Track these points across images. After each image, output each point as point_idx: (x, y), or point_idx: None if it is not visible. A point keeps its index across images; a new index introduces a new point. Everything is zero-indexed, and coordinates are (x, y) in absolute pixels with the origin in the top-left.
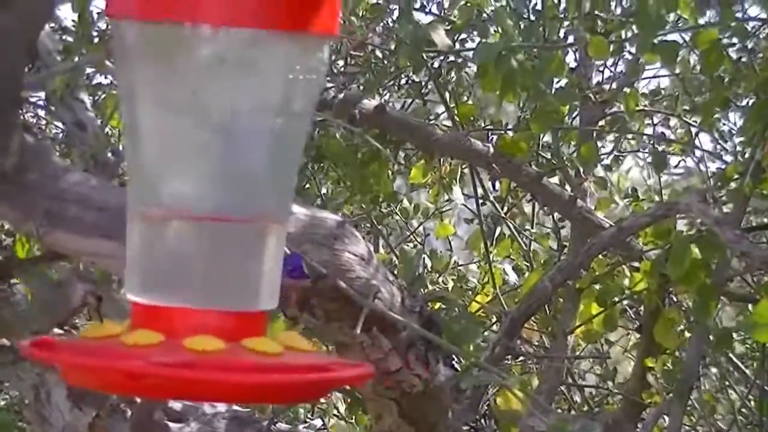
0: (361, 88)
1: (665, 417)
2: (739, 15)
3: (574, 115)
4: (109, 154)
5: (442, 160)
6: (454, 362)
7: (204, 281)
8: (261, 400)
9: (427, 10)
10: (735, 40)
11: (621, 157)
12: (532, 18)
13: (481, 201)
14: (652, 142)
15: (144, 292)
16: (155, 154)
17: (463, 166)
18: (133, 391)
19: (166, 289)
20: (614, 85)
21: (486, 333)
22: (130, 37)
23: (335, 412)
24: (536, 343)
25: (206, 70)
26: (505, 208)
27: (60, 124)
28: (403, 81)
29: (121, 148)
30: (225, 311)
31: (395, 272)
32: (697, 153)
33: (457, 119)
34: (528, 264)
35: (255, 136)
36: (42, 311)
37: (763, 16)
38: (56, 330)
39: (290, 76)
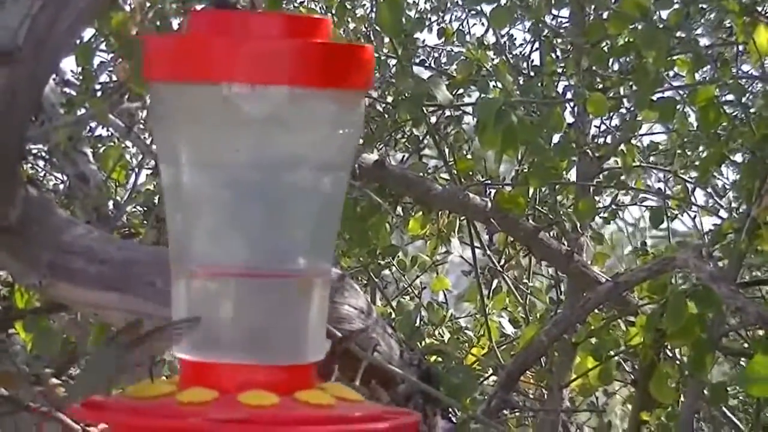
0: (361, 141)
1: None
2: (734, 71)
3: (570, 169)
4: (111, 206)
5: (440, 212)
6: (451, 415)
7: (252, 337)
8: None
9: (426, 64)
10: (731, 96)
11: (618, 211)
12: (531, 74)
13: (478, 253)
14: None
15: (194, 350)
16: (196, 213)
17: (461, 219)
18: None
19: (216, 347)
20: (609, 139)
21: (482, 386)
22: (168, 99)
23: None
24: (532, 396)
25: (245, 128)
26: (502, 261)
27: (62, 176)
28: (400, 135)
29: (121, 200)
30: (274, 365)
31: (393, 325)
32: (692, 208)
33: (455, 173)
34: (524, 317)
35: (296, 192)
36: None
37: (757, 73)
38: (54, 380)
39: (329, 131)
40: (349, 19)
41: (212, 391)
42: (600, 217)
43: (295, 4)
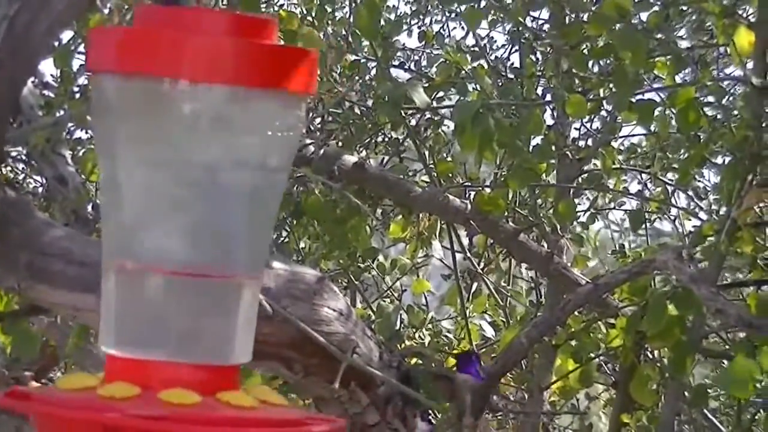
0: (340, 144)
1: None
2: (715, 74)
3: (550, 172)
4: (90, 209)
5: (420, 215)
6: (431, 417)
7: (179, 335)
8: None
9: (405, 67)
10: (711, 98)
11: (597, 215)
12: (511, 76)
13: (458, 256)
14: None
15: (119, 345)
16: (132, 208)
17: (442, 222)
18: None
19: (141, 343)
20: (590, 142)
21: None
22: (109, 91)
23: None
24: (513, 399)
25: (184, 126)
26: (482, 264)
27: (41, 179)
28: (380, 138)
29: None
30: (200, 365)
31: (373, 327)
32: (673, 211)
33: (435, 176)
34: (505, 320)
35: (232, 192)
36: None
37: (738, 74)
38: (33, 383)
39: (268, 132)
40: (329, 22)
41: (134, 387)
42: (578, 222)
43: (275, 8)
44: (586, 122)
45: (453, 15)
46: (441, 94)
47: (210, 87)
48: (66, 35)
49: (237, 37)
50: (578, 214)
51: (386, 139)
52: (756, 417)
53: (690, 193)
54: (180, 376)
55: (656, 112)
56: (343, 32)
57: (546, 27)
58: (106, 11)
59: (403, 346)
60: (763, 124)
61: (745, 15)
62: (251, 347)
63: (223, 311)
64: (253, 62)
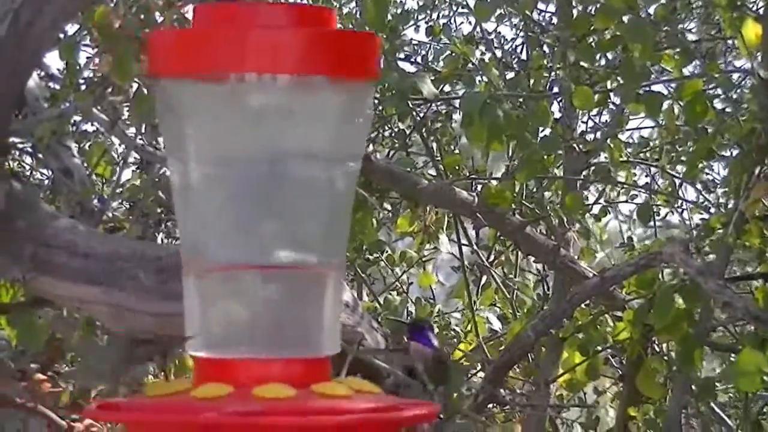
0: None
1: None
2: (723, 66)
3: (558, 164)
4: (95, 201)
5: (428, 209)
6: None
7: (266, 331)
8: None
9: (412, 60)
10: (719, 91)
11: (609, 208)
12: (518, 68)
13: (466, 249)
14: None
15: (208, 347)
16: (208, 209)
17: (449, 215)
18: None
19: (230, 342)
20: (598, 135)
21: (470, 381)
22: (174, 94)
23: None
24: (520, 392)
25: (253, 121)
26: (491, 257)
27: (46, 171)
28: (387, 132)
29: (106, 195)
30: (290, 359)
31: (379, 320)
32: (681, 204)
33: (442, 169)
34: (513, 312)
35: (305, 183)
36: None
37: (747, 66)
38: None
39: (338, 121)
40: (337, 17)
41: (227, 386)
42: (590, 215)
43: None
44: (594, 115)
45: (460, 9)
46: (448, 88)
47: (276, 79)
48: (71, 27)
49: (298, 27)
50: (588, 206)
51: (393, 133)
52: (764, 410)
53: (698, 186)
54: (271, 371)
55: (664, 105)
56: (351, 26)
57: (553, 20)
58: (112, 3)
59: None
60: None
61: (752, 7)
62: (338, 338)
63: (307, 303)
64: (318, 51)
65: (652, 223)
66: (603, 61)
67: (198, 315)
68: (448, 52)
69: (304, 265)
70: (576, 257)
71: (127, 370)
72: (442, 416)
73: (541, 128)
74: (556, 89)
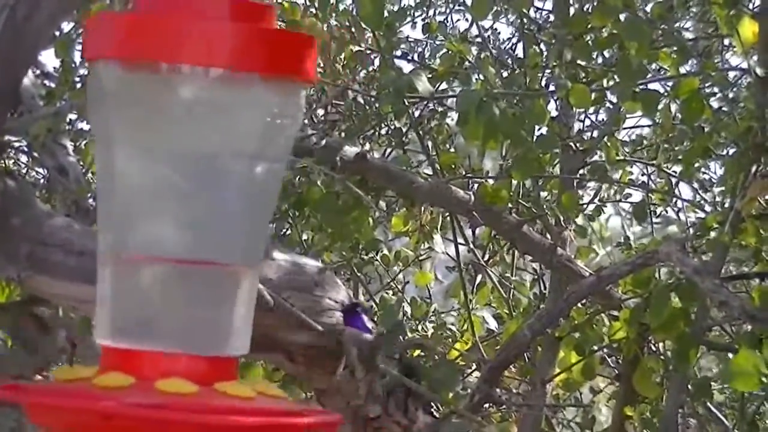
0: (342, 135)
1: None
2: (719, 65)
3: (554, 163)
4: (91, 200)
5: (423, 208)
6: (433, 409)
7: (175, 325)
8: None
9: (408, 57)
10: (716, 89)
11: (603, 207)
12: (514, 66)
13: (462, 248)
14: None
15: (114, 336)
16: (127, 197)
17: (444, 214)
18: None
19: (137, 333)
20: (595, 134)
21: (465, 380)
22: (106, 78)
23: None
24: (516, 391)
25: (182, 113)
26: (486, 256)
27: (42, 170)
28: (383, 130)
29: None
30: (197, 356)
31: (375, 319)
32: (677, 203)
33: (438, 167)
34: (509, 312)
35: (230, 181)
36: (25, 356)
37: (744, 66)
38: (37, 376)
39: (267, 120)
40: (334, 14)
41: (129, 377)
42: (584, 214)
43: None
44: (591, 114)
45: (456, 6)
46: (444, 86)
47: (208, 73)
48: (67, 25)
49: (235, 22)
50: (583, 205)
51: (389, 131)
52: (760, 410)
53: (695, 185)
54: (177, 366)
55: (660, 103)
56: (347, 23)
57: (550, 17)
58: (108, 0)
59: (405, 338)
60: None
61: (749, 5)
62: (249, 339)
63: (220, 301)
64: (252, 47)
65: (648, 222)
66: (600, 59)
67: (108, 302)
68: (444, 49)
69: (221, 261)
70: (573, 256)
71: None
72: (438, 416)
73: (537, 127)
74: (552, 87)
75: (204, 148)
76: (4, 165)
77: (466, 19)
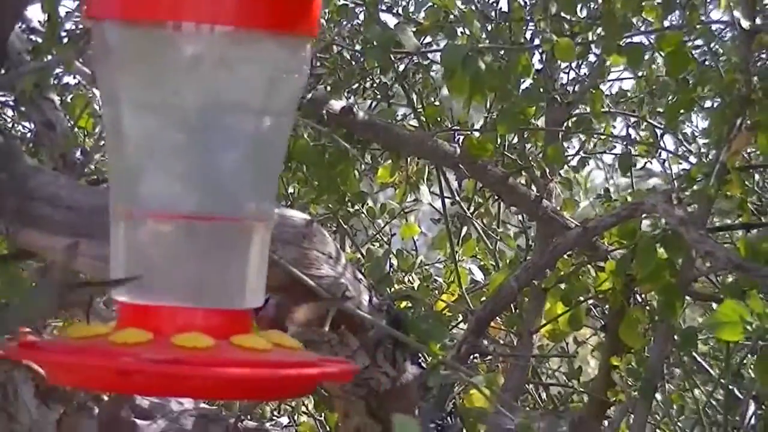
0: (328, 89)
1: (631, 415)
2: (703, 18)
3: (539, 116)
4: (78, 154)
5: (409, 160)
6: (421, 360)
7: (190, 280)
8: (250, 395)
9: (393, 11)
10: (700, 42)
11: (587, 160)
12: (499, 20)
13: (448, 201)
14: (616, 143)
15: (130, 292)
16: (138, 154)
17: (430, 166)
18: (122, 389)
19: (152, 289)
20: (579, 87)
21: (452, 332)
22: (112, 38)
23: (304, 409)
24: (502, 342)
25: (188, 70)
26: (472, 209)
27: (29, 124)
28: (369, 84)
29: (88, 147)
30: (212, 309)
31: (362, 271)
32: (662, 155)
33: (424, 120)
34: (494, 264)
35: (237, 135)
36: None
37: (727, 18)
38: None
39: (272, 75)
40: None
41: (147, 333)
42: (569, 166)
43: None
44: (575, 67)
45: None
46: (429, 39)
47: (213, 29)
48: None
49: None
50: (568, 158)
51: (375, 85)
52: (745, 360)
53: (679, 137)
54: (192, 321)
55: (644, 56)
56: None
57: None
58: None
59: (392, 289)
60: (751, 68)
61: None
62: (263, 291)
63: (233, 255)
64: (257, 3)
65: (632, 173)
66: (584, 13)
67: (122, 259)
68: (430, 3)
69: (232, 216)
70: (558, 208)
71: (56, 314)
72: (425, 367)
73: (522, 80)
74: (537, 41)
75: (211, 104)
76: None
77: None
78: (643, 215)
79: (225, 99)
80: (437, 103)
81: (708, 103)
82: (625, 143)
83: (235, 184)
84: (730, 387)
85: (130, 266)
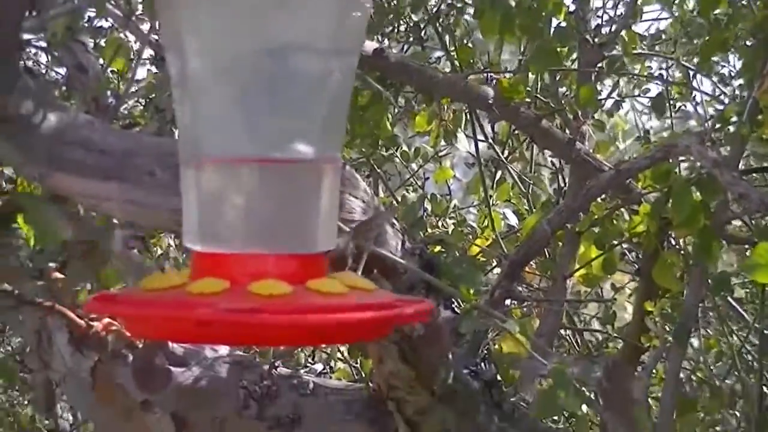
0: None
1: (665, 360)
2: None
3: (572, 57)
4: (110, 97)
5: (445, 107)
6: (454, 305)
7: (263, 225)
8: (329, 340)
9: None
10: None
11: (621, 102)
12: None
13: (482, 145)
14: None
15: (204, 241)
16: (205, 102)
17: (466, 112)
18: (203, 339)
19: (225, 237)
20: (612, 29)
21: (486, 276)
22: None
23: (339, 356)
24: (536, 287)
25: (253, 10)
26: (506, 152)
27: (61, 68)
28: (402, 26)
29: (122, 92)
30: (286, 255)
31: (396, 216)
32: (697, 97)
33: (457, 63)
34: (528, 208)
35: (305, 78)
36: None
37: None
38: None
39: (337, 14)
40: None
41: (223, 282)
42: (602, 110)
43: None
44: (609, 9)
45: None
46: None
47: None
48: None
49: None
50: (602, 100)
51: (407, 27)
52: None
53: (714, 79)
54: (267, 267)
55: None
56: None
57: None
58: None
59: (426, 234)
60: None
61: None
62: (335, 234)
63: (304, 198)
64: None
65: (669, 115)
66: None
67: (195, 208)
68: None
69: (302, 158)
70: (591, 150)
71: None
72: (458, 312)
73: (554, 19)
74: None
75: (276, 47)
76: (23, 63)
77: None
78: (677, 157)
79: (289, 40)
80: (470, 45)
81: (741, 43)
82: (660, 84)
83: (304, 127)
84: (765, 332)
85: (202, 215)
